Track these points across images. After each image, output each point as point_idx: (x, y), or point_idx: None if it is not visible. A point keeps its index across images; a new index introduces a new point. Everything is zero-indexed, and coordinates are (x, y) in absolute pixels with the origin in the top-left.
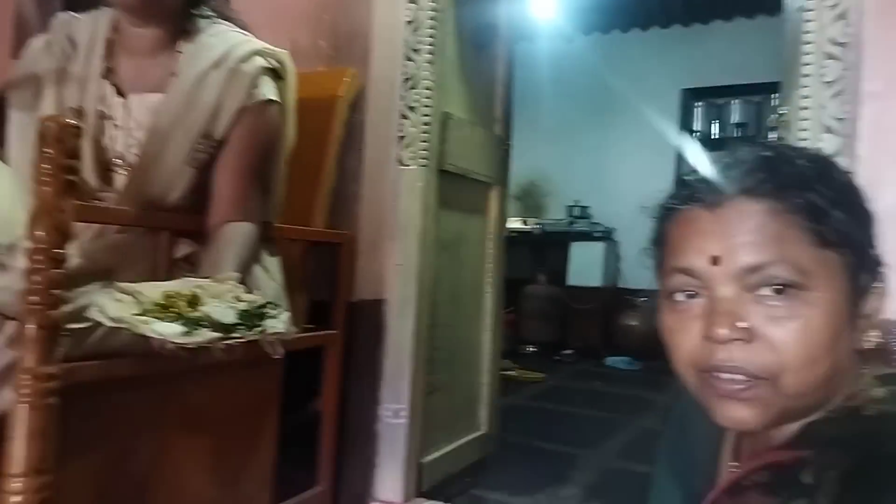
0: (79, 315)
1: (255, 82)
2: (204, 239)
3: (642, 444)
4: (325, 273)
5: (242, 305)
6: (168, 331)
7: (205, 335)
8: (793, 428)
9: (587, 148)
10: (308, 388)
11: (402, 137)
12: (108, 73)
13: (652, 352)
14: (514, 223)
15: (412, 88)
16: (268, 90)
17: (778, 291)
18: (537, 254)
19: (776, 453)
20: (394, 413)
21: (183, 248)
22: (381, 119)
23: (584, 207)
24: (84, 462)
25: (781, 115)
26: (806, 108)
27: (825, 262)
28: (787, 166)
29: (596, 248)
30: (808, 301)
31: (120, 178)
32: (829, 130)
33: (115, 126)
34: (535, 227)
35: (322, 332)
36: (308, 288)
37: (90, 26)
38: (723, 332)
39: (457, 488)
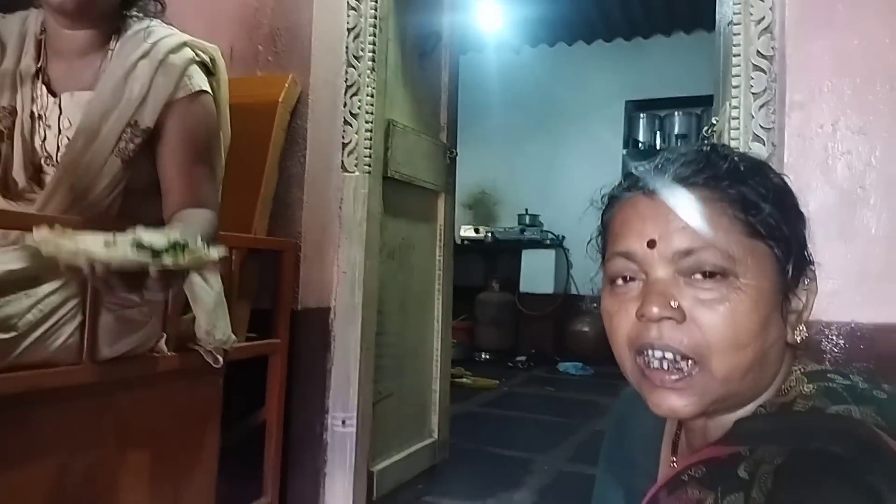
0: (1, 325)
1: (185, 73)
2: None
3: (594, 447)
4: (267, 281)
5: (175, 236)
6: (93, 246)
7: (131, 251)
8: (727, 423)
9: (536, 157)
10: (252, 398)
11: (345, 144)
12: (39, 73)
13: (603, 357)
14: (467, 231)
15: (354, 95)
16: (199, 80)
17: (708, 276)
18: (490, 262)
19: (713, 449)
20: (342, 422)
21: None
22: (323, 125)
23: (534, 216)
24: (14, 479)
25: (713, 125)
26: (736, 118)
27: (754, 251)
28: (723, 161)
29: (547, 256)
30: (736, 287)
31: (47, 178)
32: (757, 139)
33: (47, 126)
34: (486, 235)
35: (264, 342)
36: (249, 296)
37: (18, 26)
38: (655, 310)
39: (408, 495)
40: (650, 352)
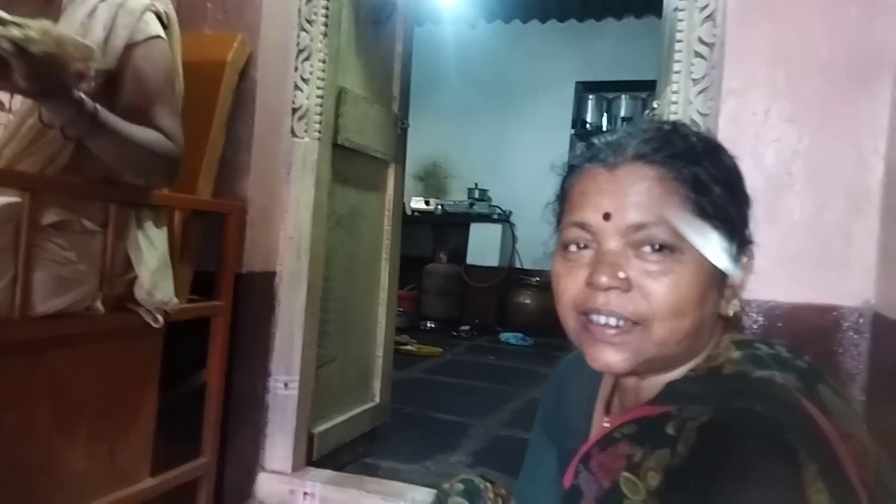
0: None
1: (142, 17)
2: (80, 206)
3: (530, 413)
4: (212, 244)
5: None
6: None
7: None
8: (659, 384)
9: (487, 133)
10: (197, 360)
11: (295, 109)
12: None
13: (543, 329)
14: (417, 203)
15: (306, 60)
16: (155, 27)
17: (656, 249)
18: (438, 233)
19: (644, 409)
20: (284, 384)
21: (51, 216)
22: (273, 89)
23: (483, 190)
24: None
25: (654, 109)
26: (675, 103)
27: (697, 227)
28: (680, 140)
29: (494, 230)
30: (681, 261)
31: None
32: (694, 125)
33: None
34: (436, 207)
35: (207, 303)
36: (192, 258)
37: None
38: (604, 279)
39: (349, 457)
40: (595, 316)
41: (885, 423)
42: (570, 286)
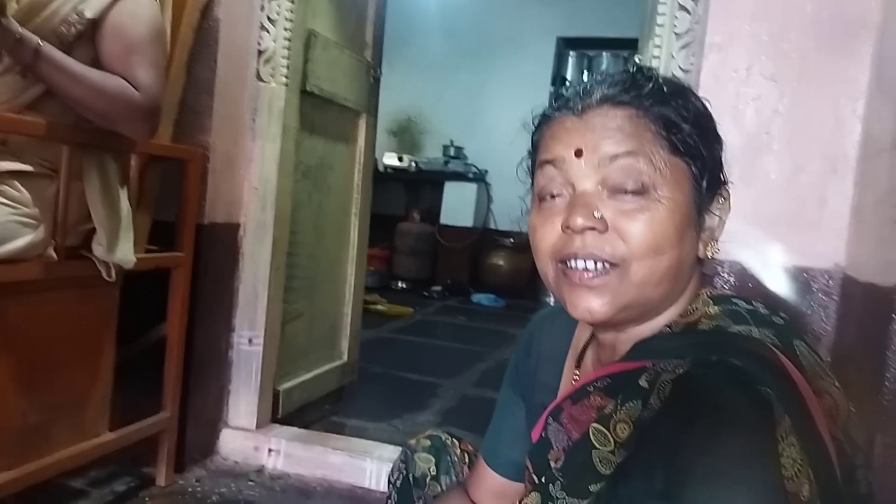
0: None
1: None
2: (37, 148)
3: (499, 373)
4: (172, 193)
5: None
6: None
7: None
8: (636, 340)
9: (464, 88)
10: (157, 312)
11: (261, 52)
12: None
13: (516, 290)
14: (390, 159)
15: None
16: None
17: (630, 190)
18: (412, 192)
19: (618, 365)
20: (248, 340)
21: (6, 164)
22: (237, 29)
23: (458, 148)
24: None
25: (636, 64)
26: (657, 58)
27: (674, 167)
28: (647, 81)
29: (469, 189)
30: (655, 198)
31: None
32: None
33: None
34: (410, 164)
35: (166, 254)
36: (150, 206)
37: None
38: (580, 220)
39: (315, 415)
40: (573, 261)
41: (849, 382)
42: (546, 235)
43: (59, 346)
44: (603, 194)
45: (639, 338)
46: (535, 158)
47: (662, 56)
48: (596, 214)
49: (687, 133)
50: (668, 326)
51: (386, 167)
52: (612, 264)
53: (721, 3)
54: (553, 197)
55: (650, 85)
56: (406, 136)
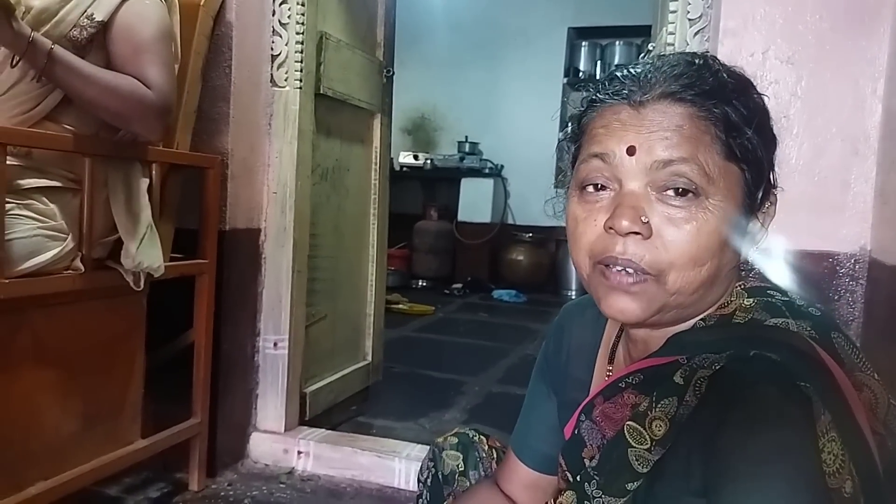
0: None
1: None
2: (62, 161)
3: (523, 369)
4: (192, 200)
5: None
6: None
7: None
8: (668, 335)
9: (477, 84)
10: (182, 320)
11: (274, 56)
12: None
13: (536, 285)
14: (406, 158)
15: (283, 3)
16: None
17: (681, 193)
18: (428, 189)
19: (651, 360)
20: (274, 344)
21: (32, 180)
22: (250, 35)
23: (473, 143)
24: None
25: (649, 51)
26: (671, 45)
27: (727, 173)
28: (711, 77)
29: (486, 185)
30: (706, 207)
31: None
32: None
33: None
34: (426, 162)
35: (191, 262)
36: (172, 215)
37: None
38: (625, 223)
39: (342, 416)
40: (610, 266)
41: (879, 368)
42: (587, 230)
43: (89, 357)
44: (651, 196)
45: (671, 333)
46: (581, 144)
47: (676, 42)
48: (643, 219)
49: (747, 136)
50: (702, 320)
51: (402, 166)
52: (649, 273)
53: None
54: (598, 189)
55: (714, 81)
56: (420, 134)
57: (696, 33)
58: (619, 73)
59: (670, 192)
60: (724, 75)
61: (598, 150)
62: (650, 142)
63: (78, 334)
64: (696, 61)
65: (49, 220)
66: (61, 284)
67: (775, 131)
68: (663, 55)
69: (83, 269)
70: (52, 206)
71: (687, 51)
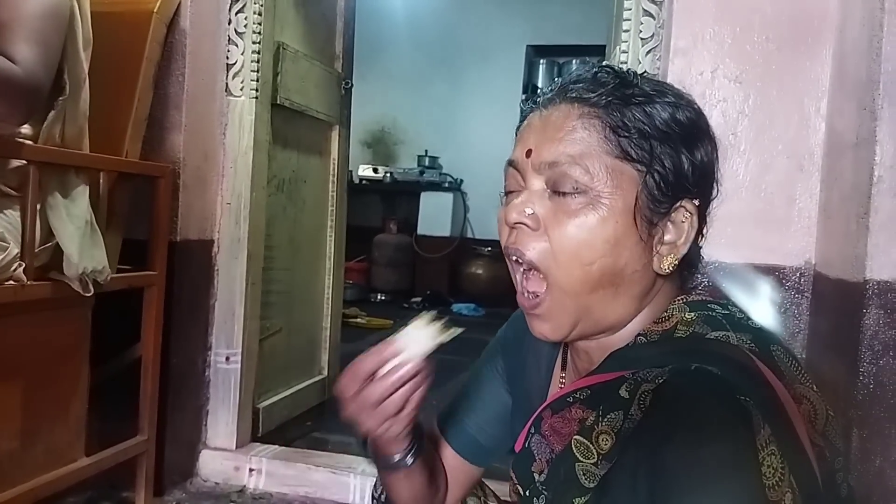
0: None
1: None
2: None
3: None
4: (142, 210)
5: None
6: None
7: None
8: (611, 346)
9: (437, 98)
10: (130, 333)
11: (230, 65)
12: None
13: (495, 298)
14: (365, 171)
15: (240, 12)
16: None
17: (570, 192)
18: (388, 203)
19: (596, 377)
20: (226, 358)
21: None
22: (205, 43)
23: (433, 158)
24: None
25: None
26: (624, 63)
27: (620, 172)
28: (615, 83)
29: (445, 199)
30: (595, 205)
31: None
32: None
33: None
34: (385, 175)
35: (139, 273)
36: (121, 225)
37: None
38: (512, 215)
39: (296, 432)
40: (512, 258)
41: (823, 380)
42: (502, 230)
43: (30, 370)
44: (545, 194)
45: (611, 347)
46: None
47: (629, 60)
48: (527, 210)
49: (636, 138)
50: (643, 335)
51: (361, 179)
52: (541, 276)
53: (684, 7)
54: (512, 193)
55: (618, 85)
56: (380, 147)
57: (647, 52)
58: (542, 87)
59: (560, 190)
60: (636, 81)
61: (511, 157)
62: (543, 143)
63: (19, 347)
64: (607, 70)
65: None
66: (3, 295)
67: (719, 146)
68: (586, 67)
69: (25, 280)
70: None
71: (636, 69)
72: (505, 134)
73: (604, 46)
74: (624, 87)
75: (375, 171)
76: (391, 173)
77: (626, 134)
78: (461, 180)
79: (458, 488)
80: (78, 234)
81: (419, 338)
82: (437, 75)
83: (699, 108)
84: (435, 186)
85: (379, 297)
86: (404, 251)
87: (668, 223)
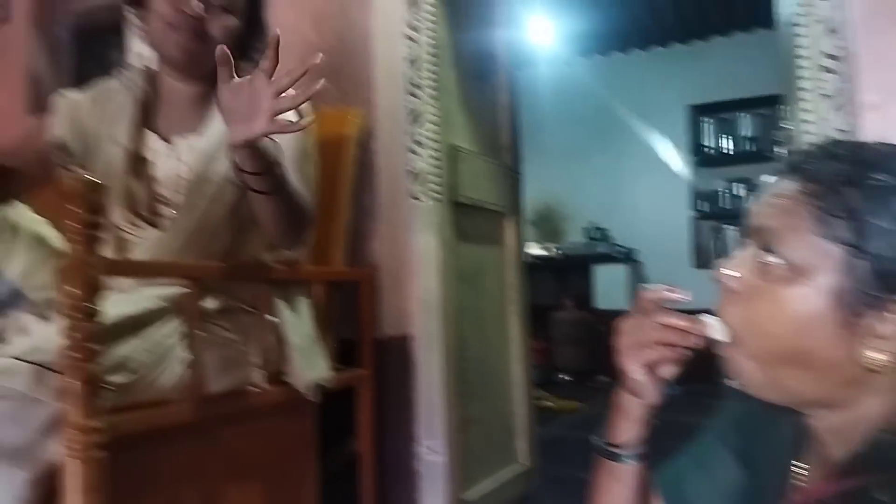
0: (119, 367)
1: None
2: (237, 289)
3: None
4: (346, 312)
5: None
6: None
7: None
8: (842, 430)
9: (599, 170)
10: (342, 429)
11: (413, 173)
12: (149, 122)
13: (689, 373)
14: (535, 249)
15: (417, 124)
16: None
17: (770, 268)
18: (561, 279)
19: (845, 481)
20: (431, 450)
21: (214, 301)
22: (390, 156)
23: (602, 229)
24: None
25: (785, 129)
26: (808, 122)
27: (823, 253)
28: (847, 155)
29: (619, 270)
30: (795, 281)
31: (165, 222)
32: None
33: (159, 171)
34: (555, 251)
35: (352, 372)
36: (335, 328)
37: (117, 94)
38: (722, 272)
39: None
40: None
41: None
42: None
43: (271, 468)
44: (754, 261)
45: (845, 430)
46: None
47: (814, 119)
48: (733, 273)
49: (859, 222)
50: (885, 430)
51: (532, 258)
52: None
53: (869, 62)
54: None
55: (845, 159)
56: (546, 225)
57: (834, 109)
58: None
59: (769, 259)
60: (869, 155)
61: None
62: (759, 210)
63: (262, 447)
64: (828, 144)
65: (233, 343)
66: (248, 401)
67: None
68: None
69: (267, 387)
70: (234, 332)
71: (826, 127)
72: (673, 199)
73: (769, 97)
74: (854, 157)
75: (544, 248)
76: (561, 249)
77: (841, 214)
78: (633, 249)
79: None
80: (305, 346)
81: (707, 319)
82: (596, 147)
83: None
84: (606, 258)
85: (562, 376)
86: (583, 327)
87: (882, 313)
